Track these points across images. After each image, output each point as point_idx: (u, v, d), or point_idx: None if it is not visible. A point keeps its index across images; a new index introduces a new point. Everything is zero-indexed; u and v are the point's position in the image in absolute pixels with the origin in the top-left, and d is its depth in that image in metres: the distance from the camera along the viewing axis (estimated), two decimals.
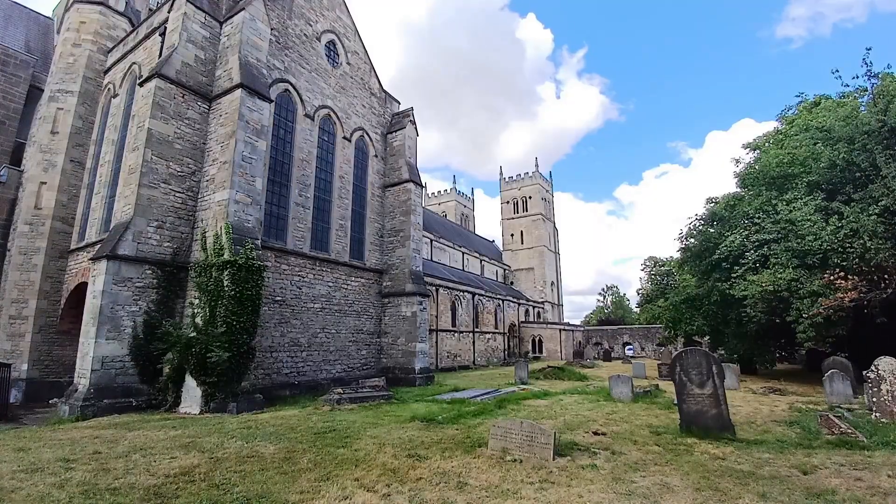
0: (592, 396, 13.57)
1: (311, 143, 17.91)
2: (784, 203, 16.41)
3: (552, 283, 59.44)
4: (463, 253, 46.58)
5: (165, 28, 14.77)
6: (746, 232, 16.91)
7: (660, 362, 24.72)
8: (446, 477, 5.55)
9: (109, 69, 17.52)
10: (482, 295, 38.71)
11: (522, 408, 11.52)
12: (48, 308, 15.55)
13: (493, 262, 54.11)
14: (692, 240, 21.43)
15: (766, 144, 23.45)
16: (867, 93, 18.15)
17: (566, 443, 7.14)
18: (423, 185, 25.63)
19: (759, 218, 16.94)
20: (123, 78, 16.42)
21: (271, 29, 15.96)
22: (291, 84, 17.28)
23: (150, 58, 15.29)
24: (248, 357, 12.16)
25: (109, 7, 18.26)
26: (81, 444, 7.17)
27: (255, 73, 14.48)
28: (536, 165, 61.76)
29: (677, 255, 24.00)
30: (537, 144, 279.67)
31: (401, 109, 23.54)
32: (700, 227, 21.38)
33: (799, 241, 14.78)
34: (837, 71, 16.76)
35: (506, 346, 41.60)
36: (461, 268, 45.05)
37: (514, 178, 62.68)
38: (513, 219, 61.06)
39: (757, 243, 16.25)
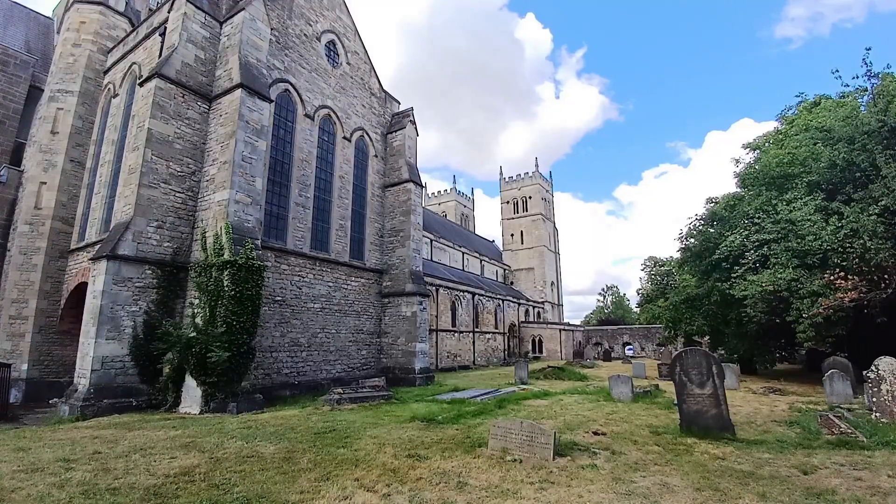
0: (592, 396, 13.57)
1: (311, 143, 17.91)
2: (784, 203, 16.40)
3: (552, 283, 59.44)
4: (463, 253, 46.58)
5: (165, 28, 14.77)
6: (746, 232, 16.90)
7: (660, 362, 24.72)
8: (446, 477, 5.55)
9: (109, 69, 17.51)
10: (482, 295, 38.71)
11: (522, 408, 11.52)
12: (48, 308, 15.55)
13: (493, 262, 54.11)
14: (692, 240, 21.42)
15: (766, 144, 23.45)
16: (867, 93, 18.15)
17: (566, 443, 7.13)
18: (423, 185, 25.63)
19: (759, 218, 16.93)
20: (123, 78, 16.42)
21: (271, 29, 15.96)
22: (291, 84, 17.28)
23: (150, 58, 15.29)
24: (248, 357, 12.16)
25: (109, 7, 18.26)
26: (81, 444, 7.17)
27: (255, 73, 14.47)
28: (536, 165, 61.77)
29: (677, 255, 24.00)
30: (536, 144, 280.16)
31: (401, 109, 23.54)
32: (700, 227, 21.38)
33: (799, 241, 14.77)
34: (837, 71, 16.78)
35: (506, 346, 41.60)
36: (461, 268, 45.05)
37: (514, 178, 62.67)
38: (513, 219, 61.06)
39: (757, 243, 16.24)
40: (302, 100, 17.66)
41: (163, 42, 14.79)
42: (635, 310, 55.83)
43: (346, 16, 21.14)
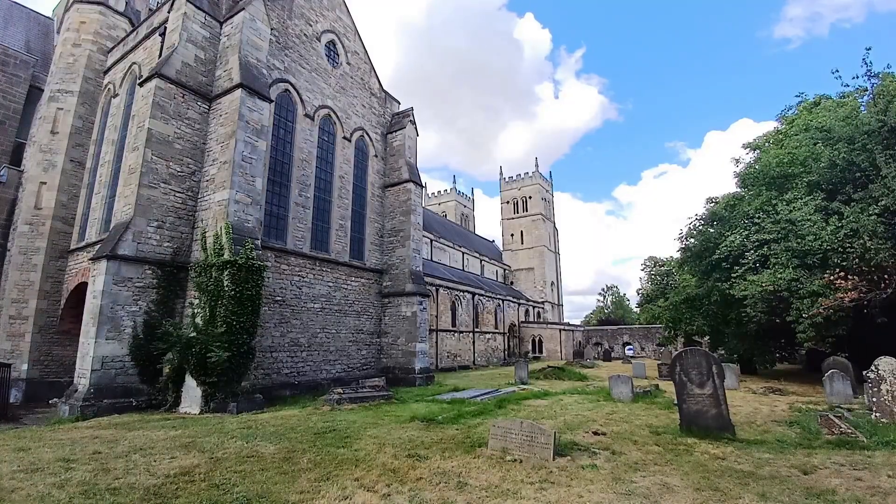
0: (592, 396, 13.57)
1: (311, 143, 17.91)
2: (784, 203, 16.40)
3: (552, 283, 59.43)
4: (463, 253, 46.57)
5: (165, 28, 14.77)
6: (746, 232, 16.89)
7: (660, 362, 24.71)
8: (446, 477, 5.55)
9: (109, 69, 17.51)
10: (482, 295, 38.70)
11: (522, 408, 11.52)
12: (48, 308, 15.55)
13: (493, 262, 54.10)
14: (692, 240, 21.41)
15: (766, 144, 23.46)
16: (867, 93, 18.14)
17: (566, 443, 7.13)
18: (423, 185, 25.62)
19: (759, 218, 16.93)
20: (123, 78, 16.42)
21: (271, 29, 15.96)
22: (291, 84, 17.28)
23: (150, 58, 15.29)
24: (247, 357, 12.16)
25: (109, 7, 18.26)
26: (81, 444, 7.17)
27: (255, 73, 14.47)
28: (536, 165, 61.75)
29: (677, 255, 23.99)
30: (536, 144, 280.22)
31: (401, 109, 23.54)
32: (700, 227, 21.37)
33: (799, 241, 14.77)
34: (837, 71, 16.75)
35: (506, 346, 41.60)
36: (461, 268, 45.04)
37: (514, 178, 62.66)
38: (513, 219, 61.05)
39: (757, 243, 16.23)
40: (302, 100, 17.66)
41: (163, 42, 14.79)
42: (635, 310, 55.83)
43: (346, 16, 21.14)
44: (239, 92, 13.65)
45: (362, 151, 20.90)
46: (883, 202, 13.60)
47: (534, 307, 52.27)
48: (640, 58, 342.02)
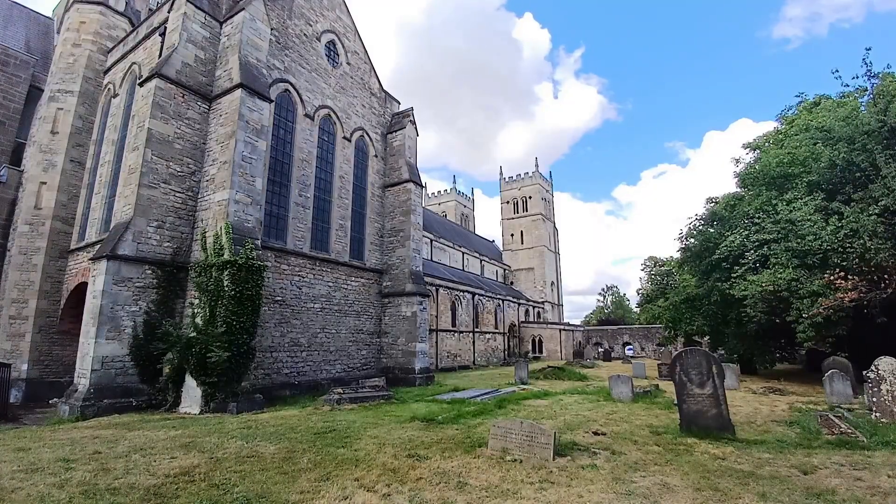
0: (592, 396, 13.57)
1: (311, 143, 17.90)
2: (784, 203, 16.40)
3: (552, 283, 59.42)
4: (463, 253, 46.57)
5: (165, 28, 14.76)
6: (746, 232, 16.90)
7: (660, 362, 24.71)
8: (446, 477, 5.55)
9: (109, 69, 17.51)
10: (482, 295, 38.70)
11: (522, 408, 11.52)
12: (48, 308, 15.55)
13: (493, 262, 54.10)
14: (692, 240, 21.42)
15: (766, 144, 23.44)
16: (867, 93, 18.15)
17: (566, 443, 7.13)
18: (423, 184, 25.62)
19: (759, 218, 16.93)
20: (123, 78, 16.42)
21: (271, 29, 15.96)
22: (291, 84, 17.28)
23: (150, 58, 15.29)
24: (247, 357, 12.15)
25: (109, 7, 18.26)
26: (81, 444, 7.17)
27: (255, 73, 14.47)
28: (536, 165, 61.75)
29: (677, 255, 24.01)
30: (535, 144, 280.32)
31: (400, 109, 23.54)
32: (700, 227, 21.38)
33: (799, 241, 14.77)
34: (837, 71, 16.76)
35: (506, 346, 41.59)
36: (461, 268, 45.04)
37: (514, 178, 62.66)
38: (513, 219, 61.04)
39: (757, 243, 16.24)
40: (302, 100, 17.66)
41: (163, 42, 14.79)
42: (635, 310, 55.81)
43: (346, 16, 21.14)
44: (239, 92, 13.65)
45: (362, 151, 20.89)
46: (883, 202, 13.59)
47: (534, 307, 52.26)
48: (639, 58, 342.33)
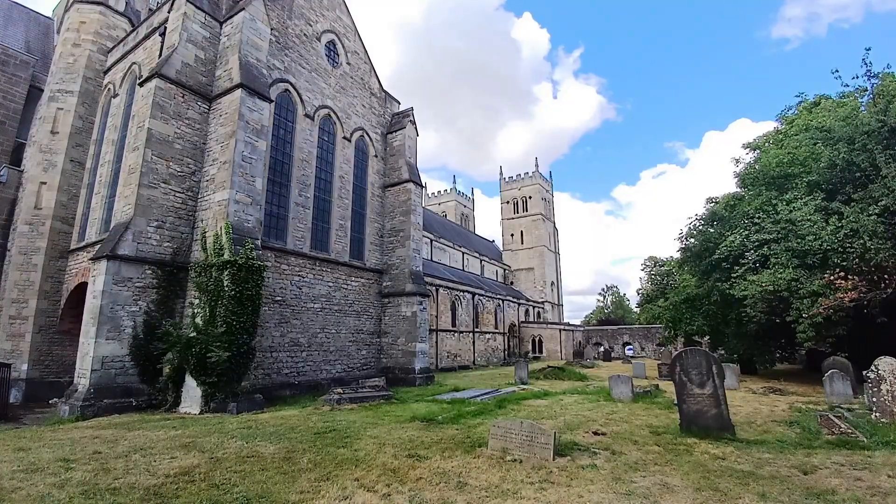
0: (592, 396, 13.57)
1: (311, 143, 17.91)
2: (784, 203, 16.40)
3: (552, 283, 59.42)
4: (463, 253, 46.57)
5: (165, 28, 14.77)
6: (746, 232, 16.89)
7: (660, 362, 24.70)
8: (446, 477, 5.55)
9: (109, 69, 17.51)
10: (482, 295, 38.70)
11: (522, 408, 11.52)
12: (48, 308, 15.55)
13: (493, 262, 54.10)
14: (692, 240, 21.41)
15: (766, 144, 23.45)
16: (867, 93, 18.15)
17: (566, 443, 7.13)
18: (423, 185, 25.62)
19: (759, 218, 16.93)
20: (123, 78, 16.42)
21: (271, 29, 15.96)
22: (291, 84, 17.28)
23: (150, 58, 15.29)
24: (247, 357, 12.15)
25: (109, 7, 18.26)
26: (81, 444, 7.17)
27: (255, 73, 14.47)
28: (536, 165, 61.76)
29: (677, 255, 23.99)
30: (535, 144, 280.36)
31: (400, 109, 23.54)
32: (700, 227, 21.37)
33: (799, 241, 14.77)
34: (837, 71, 16.76)
35: (506, 346, 41.59)
36: (461, 268, 45.04)
37: (514, 178, 62.67)
38: (513, 219, 61.05)
39: (757, 243, 16.23)
40: (302, 100, 17.66)
41: (163, 42, 14.79)
42: (635, 310, 55.82)
43: (346, 16, 21.14)
44: (239, 92, 13.65)
45: (362, 151, 20.90)
46: (883, 202, 13.60)
47: (534, 307, 52.26)
48: (638, 58, 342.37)
